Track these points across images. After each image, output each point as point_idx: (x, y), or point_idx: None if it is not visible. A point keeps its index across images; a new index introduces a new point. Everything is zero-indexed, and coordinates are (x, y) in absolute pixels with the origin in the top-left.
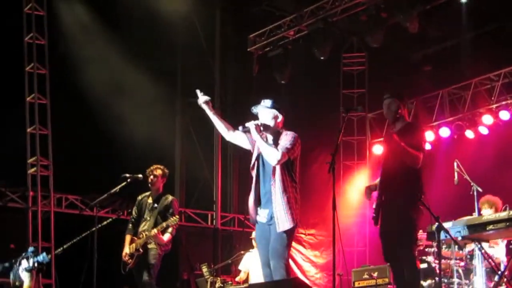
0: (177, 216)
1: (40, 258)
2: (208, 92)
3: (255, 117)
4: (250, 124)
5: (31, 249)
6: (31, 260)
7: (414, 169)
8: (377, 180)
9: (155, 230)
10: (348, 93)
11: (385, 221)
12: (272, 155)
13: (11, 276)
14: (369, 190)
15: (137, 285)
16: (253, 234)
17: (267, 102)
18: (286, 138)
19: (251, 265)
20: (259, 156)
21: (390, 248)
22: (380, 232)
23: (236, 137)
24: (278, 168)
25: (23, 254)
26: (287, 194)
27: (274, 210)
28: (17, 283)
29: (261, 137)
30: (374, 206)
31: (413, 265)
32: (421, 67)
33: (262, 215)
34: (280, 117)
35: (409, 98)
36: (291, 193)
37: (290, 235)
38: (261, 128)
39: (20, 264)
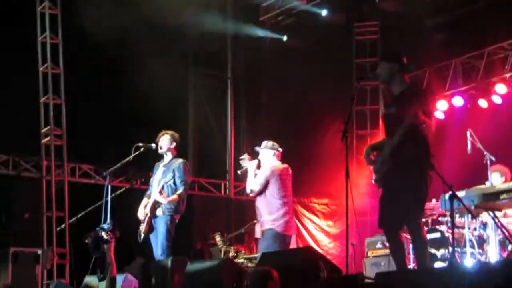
0: (184, 178)
1: (105, 226)
2: (221, 62)
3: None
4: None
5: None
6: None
7: (422, 135)
8: (380, 141)
9: (157, 190)
10: (361, 62)
11: (390, 188)
12: (249, 187)
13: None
14: (370, 150)
15: (153, 254)
16: None
17: (266, 144)
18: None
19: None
20: None
21: (392, 216)
22: (381, 199)
23: None
24: None
25: (98, 228)
26: None
27: None
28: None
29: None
30: (375, 168)
31: (422, 234)
32: (434, 35)
33: None
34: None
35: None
36: None
37: None
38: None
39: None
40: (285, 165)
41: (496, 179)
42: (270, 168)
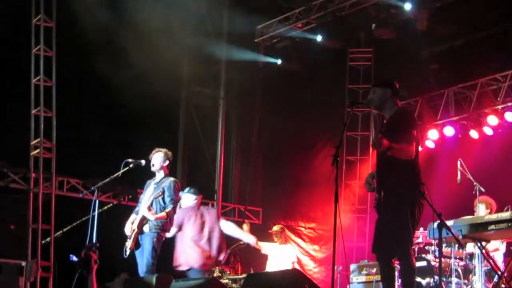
0: (173, 196)
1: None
2: (215, 81)
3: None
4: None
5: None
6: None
7: (410, 162)
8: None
9: (145, 206)
10: (354, 88)
11: (382, 216)
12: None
13: None
14: (370, 178)
15: (137, 270)
16: (274, 232)
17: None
18: None
19: (272, 252)
20: None
21: (384, 243)
22: (376, 226)
23: None
24: None
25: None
26: None
27: None
28: None
29: None
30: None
31: (410, 262)
32: (428, 65)
33: None
34: None
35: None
36: None
37: None
38: None
39: None
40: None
41: (482, 211)
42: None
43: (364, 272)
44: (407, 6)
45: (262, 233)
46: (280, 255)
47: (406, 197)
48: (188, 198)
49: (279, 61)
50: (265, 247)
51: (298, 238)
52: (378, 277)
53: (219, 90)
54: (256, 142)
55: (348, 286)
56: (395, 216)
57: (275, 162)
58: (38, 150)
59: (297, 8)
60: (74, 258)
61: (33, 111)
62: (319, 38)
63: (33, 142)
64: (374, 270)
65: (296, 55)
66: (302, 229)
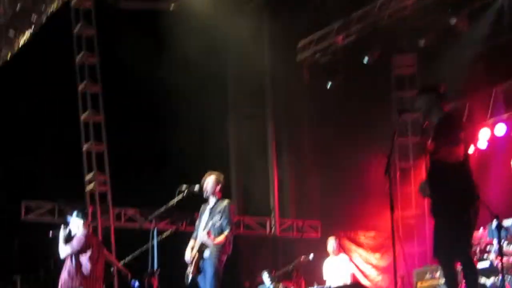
0: (229, 219)
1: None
2: (261, 103)
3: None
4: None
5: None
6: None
7: (461, 164)
8: None
9: (205, 231)
10: (401, 96)
11: (439, 220)
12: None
13: None
14: (424, 184)
15: None
16: (329, 243)
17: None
18: None
19: (327, 270)
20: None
21: (443, 247)
22: (434, 231)
23: None
24: None
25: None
26: None
27: None
28: None
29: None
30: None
31: (471, 264)
32: (473, 64)
33: None
34: None
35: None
36: None
37: None
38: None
39: None
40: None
41: None
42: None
43: (427, 276)
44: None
45: (322, 246)
46: (335, 267)
47: (461, 200)
48: (75, 223)
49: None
50: (324, 270)
51: (359, 247)
52: (442, 281)
53: (266, 108)
54: (308, 155)
55: None
56: (452, 219)
57: (329, 173)
58: (93, 184)
59: (336, 22)
60: (136, 284)
61: (84, 147)
62: (361, 51)
63: (87, 177)
64: (437, 274)
65: (340, 67)
66: (362, 238)
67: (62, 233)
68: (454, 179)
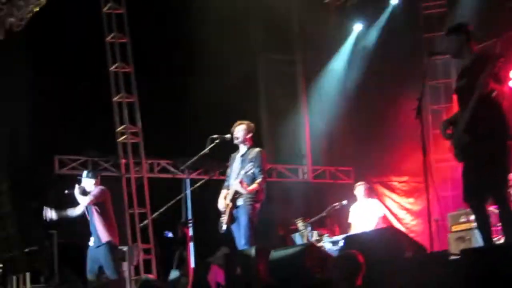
0: (262, 166)
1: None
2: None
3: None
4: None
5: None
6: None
7: (498, 103)
8: (455, 114)
9: (237, 180)
10: (430, 37)
11: (472, 161)
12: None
13: None
14: (446, 124)
15: (236, 243)
16: (357, 188)
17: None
18: None
19: (353, 217)
20: None
21: (476, 190)
22: (464, 174)
23: None
24: None
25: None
26: None
27: None
28: None
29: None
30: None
31: (508, 205)
32: (506, 3)
33: None
34: None
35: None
36: None
37: None
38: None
39: None
40: None
41: None
42: None
43: (462, 220)
44: None
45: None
46: (363, 212)
47: (498, 139)
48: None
49: (355, 26)
50: (350, 214)
51: (392, 193)
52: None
53: (295, 53)
54: (339, 101)
55: (448, 235)
56: (488, 160)
57: (361, 119)
58: (124, 136)
59: None
60: (170, 235)
61: (115, 98)
62: None
63: (118, 129)
64: (471, 217)
65: (367, 10)
66: (395, 183)
67: (77, 189)
68: (493, 118)
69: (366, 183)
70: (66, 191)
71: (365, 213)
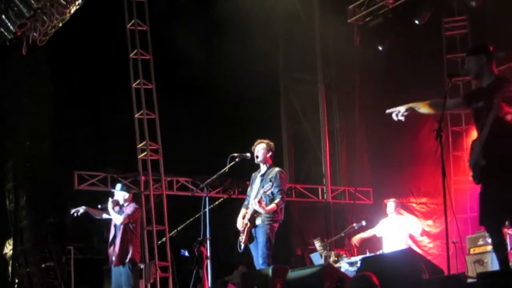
0: (281, 186)
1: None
2: (311, 67)
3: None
4: None
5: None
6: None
7: (511, 126)
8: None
9: (256, 199)
10: (452, 58)
11: (490, 184)
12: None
13: None
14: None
15: (254, 263)
16: (388, 204)
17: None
18: None
19: (385, 231)
20: None
21: (493, 212)
22: (482, 196)
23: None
24: None
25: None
26: None
27: None
28: None
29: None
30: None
31: None
32: None
33: None
34: None
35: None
36: None
37: None
38: None
39: None
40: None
41: None
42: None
43: (480, 242)
44: None
45: (374, 213)
46: (395, 228)
47: None
48: (120, 195)
49: (380, 48)
50: (378, 227)
51: (410, 214)
52: None
53: (316, 74)
54: (359, 123)
55: (465, 258)
56: (504, 183)
57: (380, 140)
58: (145, 153)
59: None
60: (186, 254)
61: (136, 115)
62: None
63: (139, 146)
64: (490, 240)
65: (390, 30)
66: (414, 205)
67: (110, 204)
68: (508, 138)
69: (397, 199)
70: (99, 206)
71: (397, 228)
